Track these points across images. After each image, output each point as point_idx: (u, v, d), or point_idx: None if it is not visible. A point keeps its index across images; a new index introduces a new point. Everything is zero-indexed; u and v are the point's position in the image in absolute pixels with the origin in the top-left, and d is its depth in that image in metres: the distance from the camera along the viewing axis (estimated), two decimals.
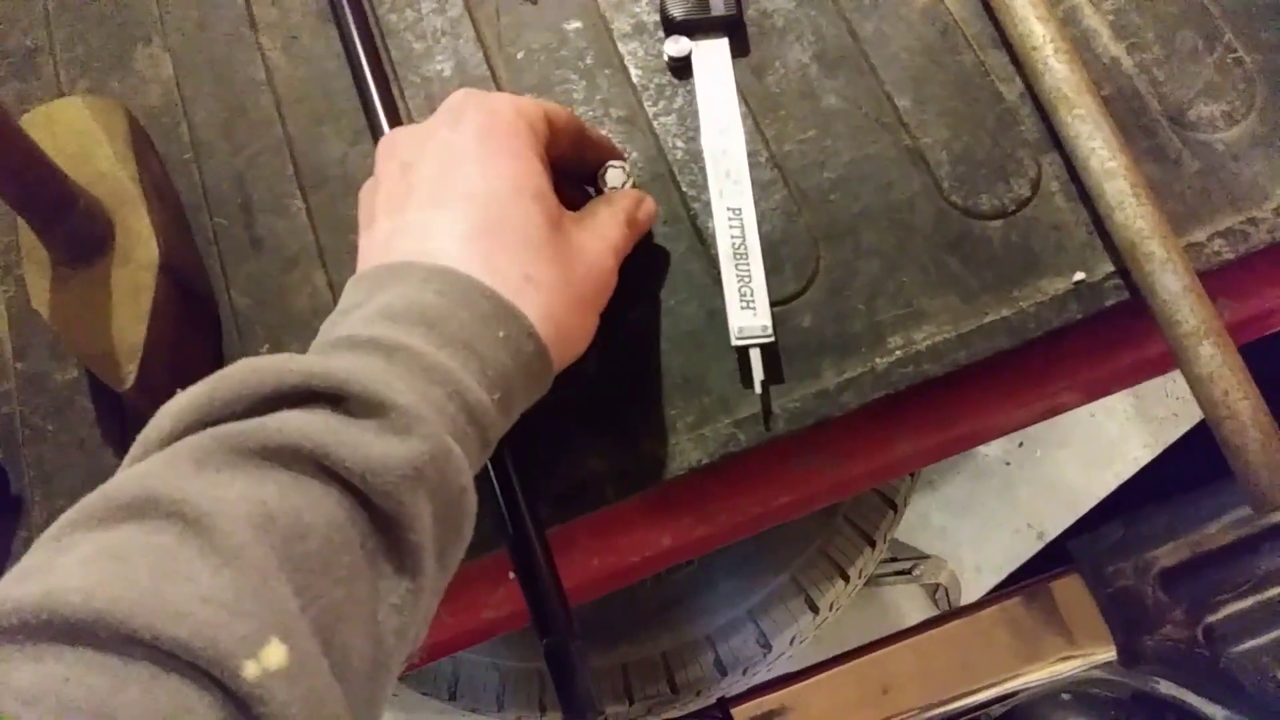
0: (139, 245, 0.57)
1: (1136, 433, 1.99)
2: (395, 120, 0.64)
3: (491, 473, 0.55)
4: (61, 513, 0.60)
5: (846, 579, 1.44)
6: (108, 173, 0.59)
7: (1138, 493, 1.92)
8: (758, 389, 0.57)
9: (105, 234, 0.57)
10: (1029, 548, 1.95)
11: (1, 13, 0.74)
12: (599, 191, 0.59)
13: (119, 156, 0.60)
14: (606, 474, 0.57)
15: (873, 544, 1.46)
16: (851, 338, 0.59)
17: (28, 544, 0.59)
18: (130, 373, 0.54)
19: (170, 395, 0.57)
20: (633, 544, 0.61)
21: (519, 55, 0.68)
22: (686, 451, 0.57)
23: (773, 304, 0.59)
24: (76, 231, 0.56)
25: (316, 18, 0.71)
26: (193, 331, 0.60)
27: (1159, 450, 1.97)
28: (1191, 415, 1.95)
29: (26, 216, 0.54)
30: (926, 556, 1.92)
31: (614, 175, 0.59)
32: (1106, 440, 1.97)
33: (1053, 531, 1.96)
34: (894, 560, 1.92)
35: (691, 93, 0.65)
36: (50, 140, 0.58)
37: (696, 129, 0.64)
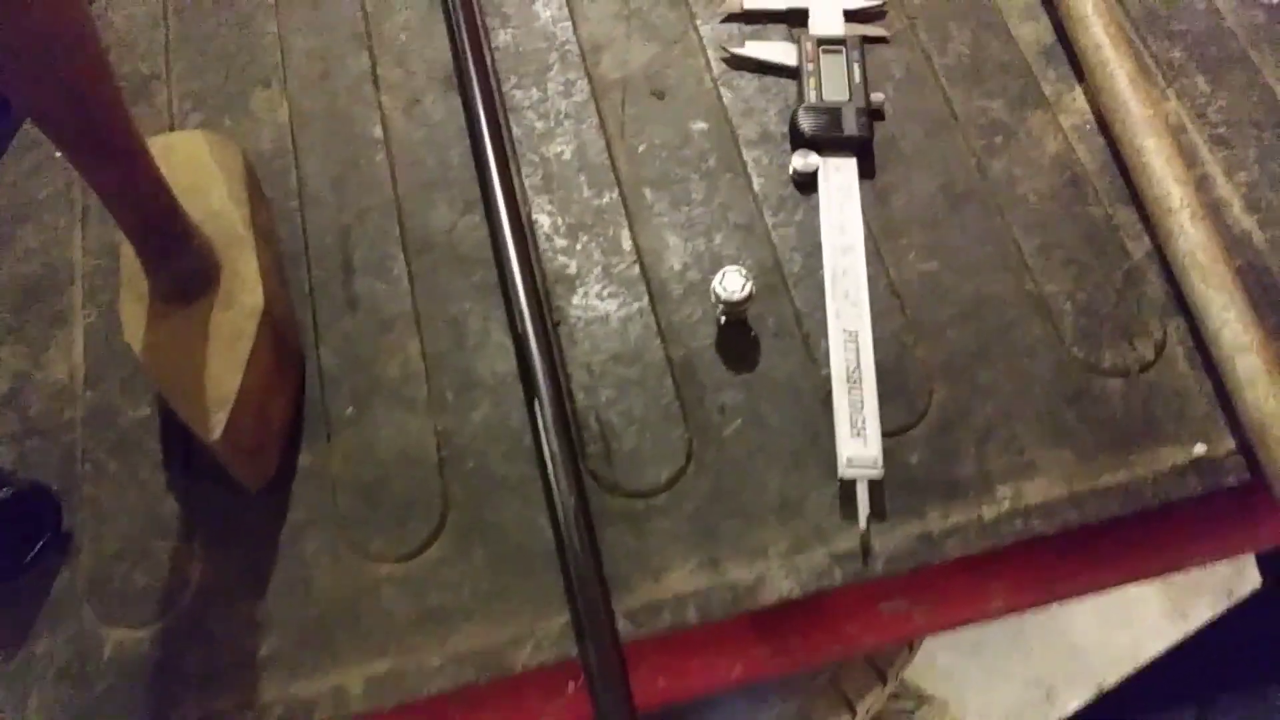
0: (244, 290, 0.56)
1: (1155, 596, 1.94)
2: (511, 196, 0.63)
3: (572, 576, 0.53)
4: (112, 558, 0.57)
5: (854, 714, 1.39)
6: (221, 212, 0.58)
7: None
8: (862, 524, 0.54)
9: (211, 274, 0.56)
10: (1037, 709, 1.88)
11: (122, 37, 0.73)
12: (717, 297, 0.58)
13: (234, 197, 0.59)
14: (689, 595, 0.55)
15: (885, 680, 1.41)
16: (960, 481, 0.56)
17: (70, 586, 0.56)
18: (220, 422, 0.51)
19: (253, 448, 0.55)
20: (703, 668, 0.57)
21: (640, 148, 0.67)
22: (777, 579, 0.55)
23: (886, 435, 0.57)
24: (185, 268, 0.54)
25: (441, 84, 0.70)
26: (280, 385, 0.58)
27: (1178, 618, 1.92)
28: (1213, 587, 1.91)
29: (139, 247, 0.52)
30: (930, 698, 1.86)
31: (733, 279, 0.58)
32: (1125, 599, 1.92)
33: (1061, 691, 1.90)
34: (896, 698, 1.86)
35: (814, 208, 0.64)
36: (167, 171, 0.56)
37: (816, 245, 0.63)
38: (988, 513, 0.55)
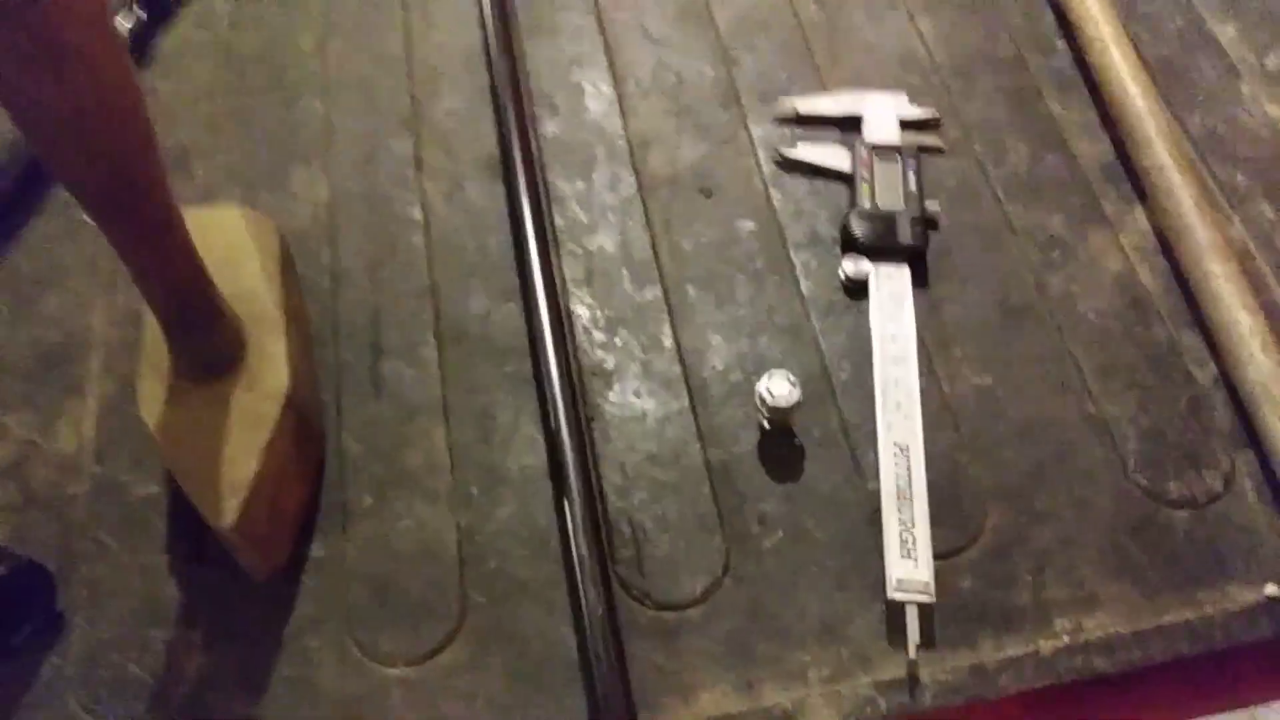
0: (270, 373, 0.53)
1: None
2: (551, 287, 0.61)
3: (597, 693, 0.49)
4: (104, 645, 0.54)
5: None
6: (252, 291, 0.56)
7: None
8: (911, 652, 0.50)
9: (237, 353, 0.54)
10: None
11: (166, 108, 0.73)
12: (761, 402, 0.55)
13: (267, 276, 0.57)
14: (721, 719, 0.50)
15: None
16: (1015, 611, 0.53)
17: (58, 672, 0.52)
18: (232, 509, 0.48)
19: (264, 536, 0.52)
20: None
21: (686, 245, 0.66)
22: (817, 708, 0.50)
23: (935, 558, 0.53)
24: (210, 346, 0.52)
25: (485, 171, 0.69)
26: (298, 472, 0.55)
27: None
28: None
29: (165, 322, 0.50)
30: None
31: (780, 385, 0.55)
32: None
33: None
34: None
35: (863, 315, 0.62)
36: (200, 245, 0.54)
37: (865, 353, 0.60)
38: (1045, 646, 0.52)
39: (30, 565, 0.52)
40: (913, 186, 0.64)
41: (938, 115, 0.70)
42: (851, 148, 0.67)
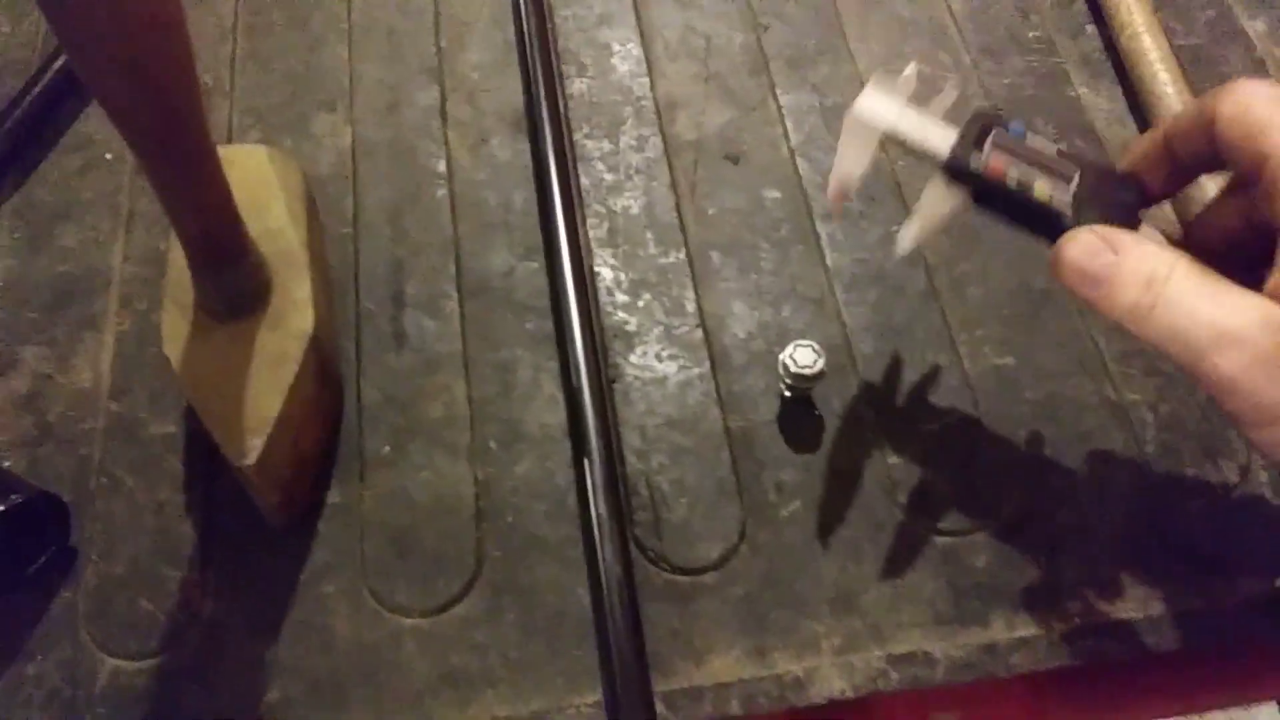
0: (294, 312, 0.53)
1: None
2: (575, 246, 0.61)
3: (611, 651, 0.49)
4: (117, 581, 0.53)
5: None
6: (278, 230, 0.55)
7: None
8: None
9: (262, 292, 0.53)
10: None
11: None
12: (785, 370, 0.55)
13: (292, 216, 0.57)
14: (733, 684, 0.51)
15: None
16: (1029, 591, 0.53)
17: (70, 606, 0.52)
18: (255, 448, 0.48)
19: (283, 479, 0.52)
20: None
21: (710, 210, 0.65)
22: (828, 677, 0.51)
23: (951, 535, 0.54)
24: (236, 283, 0.52)
25: (510, 126, 0.69)
26: (318, 416, 0.55)
27: None
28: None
29: (193, 256, 0.50)
30: None
31: (804, 354, 0.55)
32: None
33: None
34: None
35: (888, 289, 0.62)
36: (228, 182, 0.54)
37: (888, 328, 0.60)
38: (1057, 628, 0.52)
39: (45, 496, 0.52)
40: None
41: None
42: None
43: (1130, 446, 0.57)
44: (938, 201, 0.46)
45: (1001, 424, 0.58)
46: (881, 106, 0.47)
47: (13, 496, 0.50)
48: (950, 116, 0.47)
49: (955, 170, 0.45)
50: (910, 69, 0.49)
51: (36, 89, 0.68)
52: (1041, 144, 0.45)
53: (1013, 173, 0.44)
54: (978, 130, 0.45)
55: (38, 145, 0.68)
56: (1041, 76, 0.72)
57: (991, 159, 0.44)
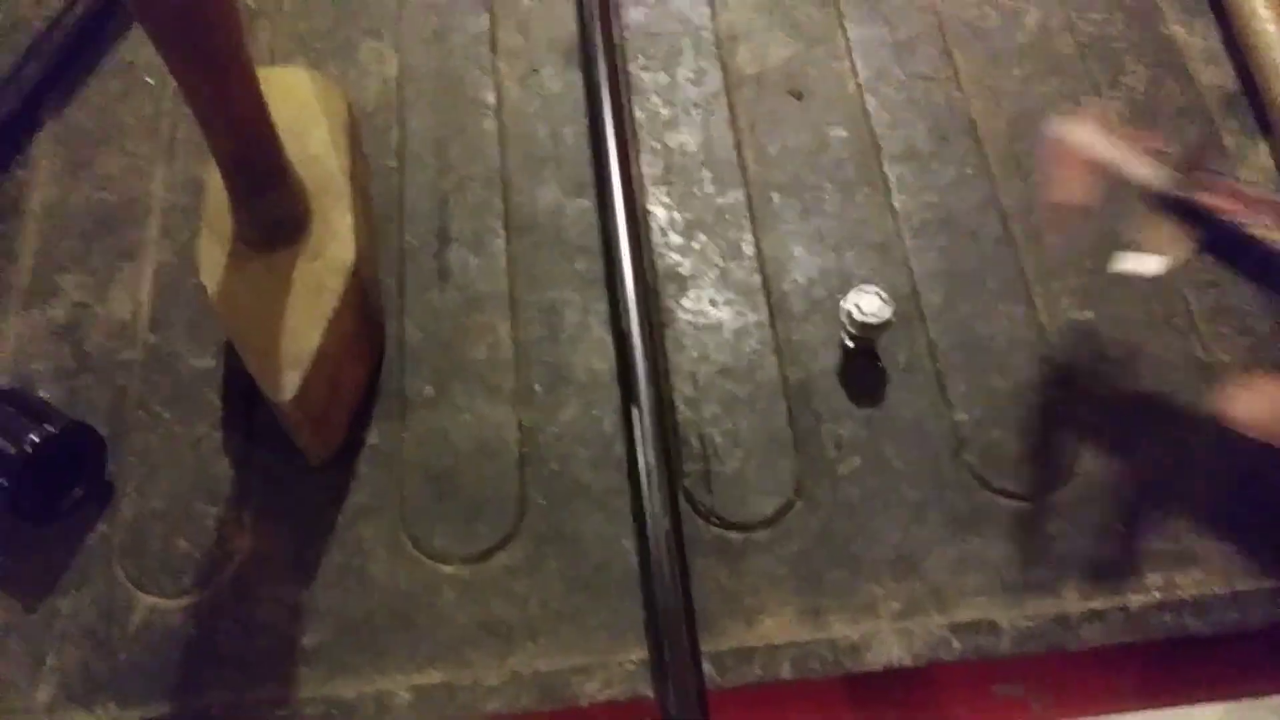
0: (334, 242, 0.50)
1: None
2: (628, 184, 0.58)
3: (657, 607, 0.47)
4: (153, 516, 0.52)
5: None
6: (319, 157, 0.53)
7: None
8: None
9: (301, 221, 0.51)
10: None
11: None
12: (848, 317, 0.52)
13: (334, 143, 0.54)
14: (785, 646, 0.48)
15: None
16: (1105, 561, 0.50)
17: (105, 541, 0.51)
18: (292, 382, 0.46)
19: (321, 416, 0.50)
20: None
21: (771, 148, 0.62)
22: (887, 644, 0.48)
23: (1021, 498, 0.50)
24: (275, 210, 0.49)
25: (562, 56, 0.65)
26: (358, 352, 0.53)
27: None
28: None
29: (230, 179, 0.47)
30: None
31: (870, 301, 0.52)
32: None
33: None
34: None
35: (959, 235, 0.58)
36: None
37: (958, 276, 0.57)
38: (1134, 601, 0.49)
39: (81, 427, 0.50)
40: None
41: None
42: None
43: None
44: (1162, 241, 0.44)
45: (1079, 382, 0.54)
46: (1088, 133, 0.46)
47: (46, 427, 0.48)
48: None
49: (1177, 206, 0.42)
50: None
51: (77, 9, 0.66)
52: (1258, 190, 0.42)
53: (1242, 215, 0.41)
54: (1191, 165, 0.43)
55: (78, 68, 0.66)
56: (1132, 13, 0.67)
57: (1214, 197, 0.41)
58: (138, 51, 0.66)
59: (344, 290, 0.49)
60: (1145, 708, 0.51)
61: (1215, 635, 0.48)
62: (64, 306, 0.57)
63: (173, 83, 0.63)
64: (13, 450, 0.47)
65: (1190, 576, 0.49)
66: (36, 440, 0.47)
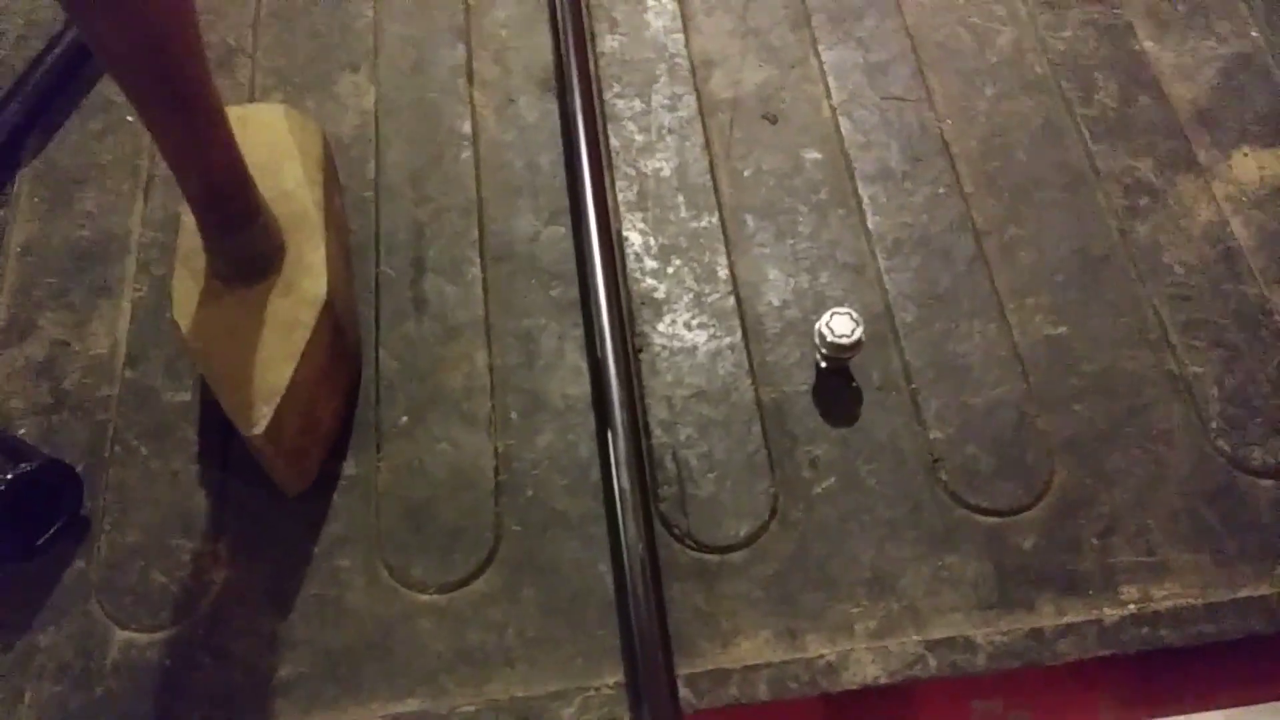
0: (307, 278, 0.51)
1: None
2: (603, 210, 0.58)
3: (633, 631, 0.47)
4: (130, 551, 0.52)
5: None
6: (292, 192, 0.53)
7: None
8: None
9: (274, 257, 0.51)
10: None
11: (211, 4, 0.70)
12: (821, 339, 0.52)
13: (309, 179, 0.54)
14: (761, 667, 0.48)
15: None
16: (1079, 575, 0.50)
17: (82, 577, 0.51)
18: (264, 416, 0.46)
19: (296, 449, 0.50)
20: None
21: (746, 172, 0.62)
22: (862, 663, 0.48)
23: (996, 514, 0.50)
24: (247, 247, 0.50)
25: (538, 86, 0.66)
26: (332, 385, 0.53)
27: None
28: None
29: (202, 218, 0.48)
30: None
31: (841, 322, 0.52)
32: None
33: None
34: None
35: (933, 254, 0.58)
36: (241, 143, 0.52)
37: (931, 296, 0.57)
38: (1109, 615, 0.49)
39: (57, 465, 0.51)
40: None
41: None
42: None
43: (1192, 422, 0.53)
44: None
45: (1053, 397, 0.54)
46: None
47: (22, 465, 0.48)
48: None
49: None
50: None
51: (57, 50, 0.67)
52: None
53: None
54: None
55: (59, 108, 0.66)
56: (1103, 30, 0.67)
57: None
58: (117, 91, 0.67)
59: (316, 324, 0.49)
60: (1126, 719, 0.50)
61: (1191, 647, 0.48)
62: (42, 344, 0.58)
63: None
64: None
65: (1164, 589, 0.49)
66: (10, 478, 0.47)
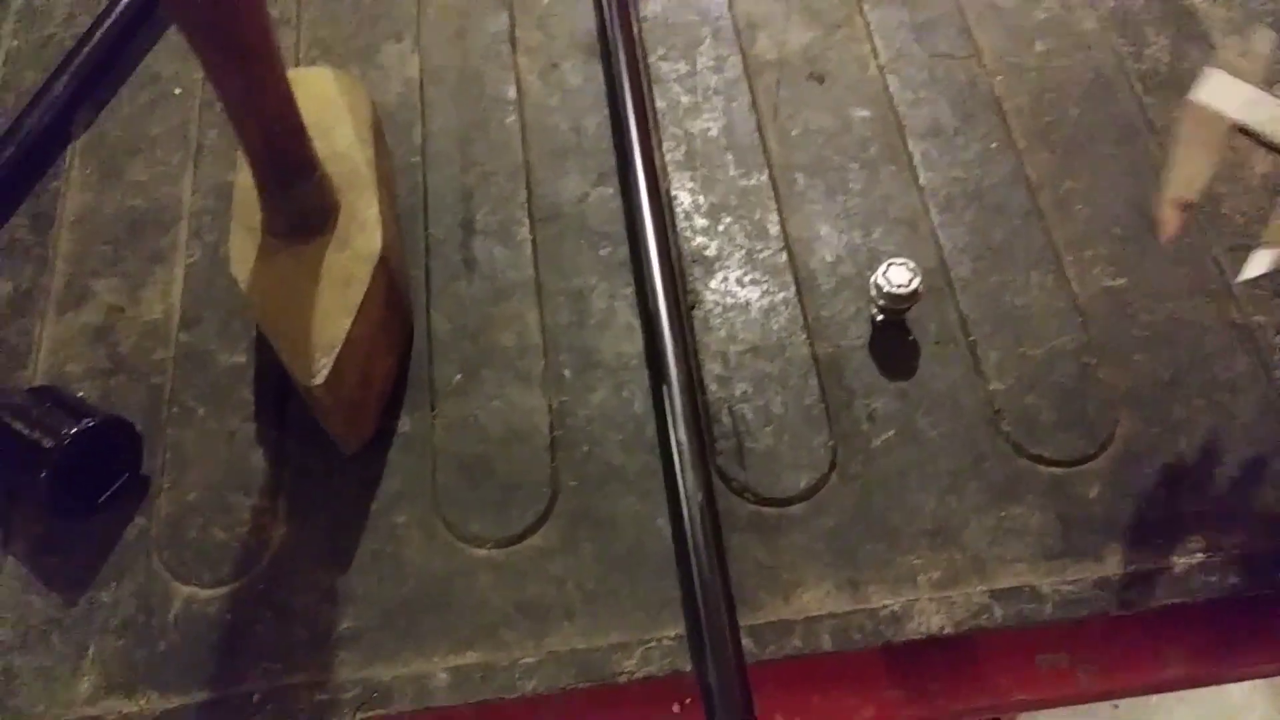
0: (361, 234, 0.51)
1: (1262, 702, 1.79)
2: (651, 171, 0.58)
3: (694, 583, 0.46)
4: (189, 508, 0.52)
5: None
6: (344, 152, 0.54)
7: None
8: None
9: (329, 213, 0.51)
10: None
11: None
12: (878, 290, 0.52)
13: (359, 138, 0.55)
14: (823, 618, 0.48)
15: None
16: (1146, 524, 0.49)
17: (143, 534, 0.51)
18: (324, 367, 0.46)
19: (353, 404, 0.50)
20: (827, 707, 0.50)
21: (794, 131, 0.62)
22: (926, 613, 0.47)
23: (1059, 465, 0.50)
24: (303, 201, 0.50)
25: (582, 50, 0.66)
26: (387, 341, 0.53)
27: None
28: None
29: (259, 171, 0.48)
30: None
31: (898, 273, 0.51)
32: (1228, 703, 1.78)
33: None
34: None
35: (986, 210, 0.58)
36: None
37: (987, 249, 0.56)
38: (1178, 564, 0.48)
39: (118, 421, 0.51)
40: None
41: None
42: None
43: (1256, 371, 0.52)
44: None
45: (1114, 348, 0.53)
46: (1231, 92, 0.41)
47: (85, 420, 0.49)
48: None
49: None
50: (1266, 36, 0.41)
51: (106, 25, 0.67)
52: None
53: None
54: None
55: (108, 82, 0.67)
56: None
57: None
58: (165, 63, 0.68)
59: (372, 279, 0.49)
60: (1194, 673, 0.50)
61: (1260, 595, 0.47)
62: (98, 310, 0.58)
63: (199, 93, 0.65)
64: (50, 444, 0.48)
65: (1234, 538, 0.48)
66: (74, 433, 0.48)
